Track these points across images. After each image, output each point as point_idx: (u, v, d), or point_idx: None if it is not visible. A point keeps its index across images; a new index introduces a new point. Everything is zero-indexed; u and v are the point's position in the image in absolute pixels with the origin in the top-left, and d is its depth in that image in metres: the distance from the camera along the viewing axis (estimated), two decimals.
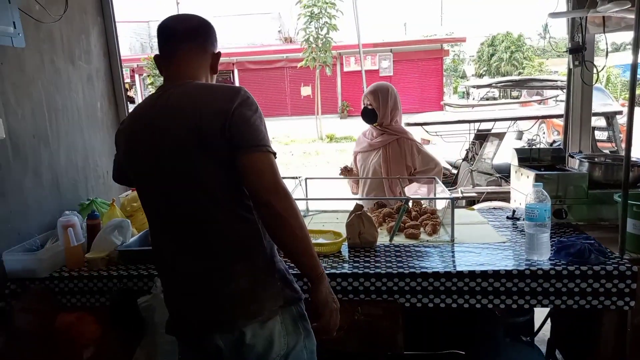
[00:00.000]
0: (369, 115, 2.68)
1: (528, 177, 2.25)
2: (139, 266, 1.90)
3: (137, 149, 1.28)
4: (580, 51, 2.56)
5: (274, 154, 1.21)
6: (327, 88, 19.38)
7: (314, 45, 15.02)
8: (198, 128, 1.17)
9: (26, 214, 2.10)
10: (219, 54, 1.36)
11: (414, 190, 2.90)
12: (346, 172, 2.80)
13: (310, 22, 14.93)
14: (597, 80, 2.64)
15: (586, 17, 2.47)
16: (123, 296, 1.79)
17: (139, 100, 19.92)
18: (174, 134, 1.20)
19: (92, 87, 2.72)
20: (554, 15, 2.47)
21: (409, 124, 4.69)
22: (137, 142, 1.28)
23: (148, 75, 15.71)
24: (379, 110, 2.64)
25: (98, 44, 2.82)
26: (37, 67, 2.27)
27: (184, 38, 1.29)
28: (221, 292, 1.23)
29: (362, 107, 2.72)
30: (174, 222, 1.27)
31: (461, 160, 5.03)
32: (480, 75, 36.72)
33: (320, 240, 1.98)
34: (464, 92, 27.09)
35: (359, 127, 2.85)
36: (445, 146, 5.35)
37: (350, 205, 2.54)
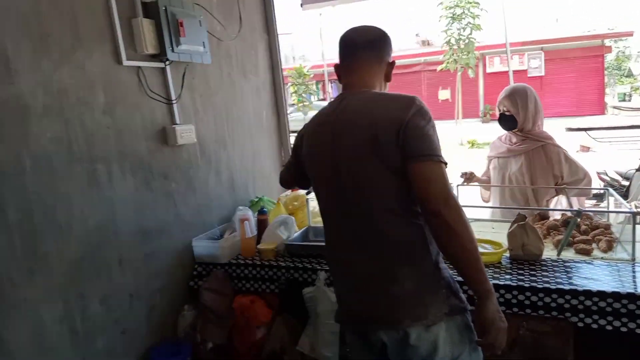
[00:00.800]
0: (507, 122, 2.48)
1: None
2: (304, 259, 2.07)
3: (317, 152, 1.39)
4: None
5: (445, 164, 1.22)
6: (466, 91, 18.53)
7: (455, 47, 14.51)
8: (374, 135, 1.22)
9: (209, 207, 2.44)
10: (393, 63, 1.41)
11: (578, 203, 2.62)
12: (467, 177, 2.64)
13: (452, 23, 14.46)
14: None
15: None
16: (290, 285, 1.97)
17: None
18: (351, 140, 1.27)
19: (259, 98, 3.04)
20: None
21: (570, 129, 4.27)
22: (317, 146, 1.39)
23: (292, 85, 16.79)
24: (518, 116, 2.43)
25: (264, 58, 3.14)
26: (218, 81, 2.62)
27: (364, 48, 1.36)
28: (387, 292, 1.27)
29: (498, 113, 2.54)
30: (348, 222, 1.33)
31: (634, 171, 4.39)
32: None
33: (479, 249, 1.92)
34: (624, 94, 23.43)
35: (502, 132, 2.67)
36: (611, 154, 4.72)
37: (507, 215, 2.43)
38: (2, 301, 1.52)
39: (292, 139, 3.35)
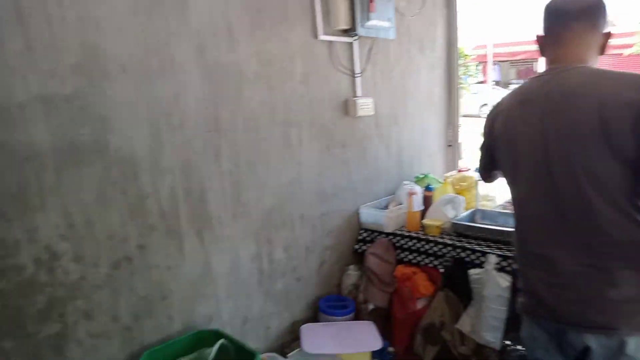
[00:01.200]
0: None
1: None
2: (471, 240, 2.05)
3: (520, 134, 1.25)
4: None
5: None
6: None
7: None
8: (602, 118, 1.09)
9: (378, 178, 2.56)
10: (609, 34, 1.24)
11: None
12: None
13: None
14: None
15: None
16: (455, 264, 1.98)
17: None
18: (570, 121, 1.14)
19: (432, 74, 3.01)
20: None
21: None
22: (521, 127, 1.24)
23: None
24: None
25: (441, 35, 3.08)
26: (398, 56, 2.67)
27: (577, 18, 1.21)
28: (602, 295, 1.16)
29: None
30: (555, 214, 1.21)
31: None
32: None
33: None
34: None
35: None
36: None
37: None
38: (213, 235, 1.83)
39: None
